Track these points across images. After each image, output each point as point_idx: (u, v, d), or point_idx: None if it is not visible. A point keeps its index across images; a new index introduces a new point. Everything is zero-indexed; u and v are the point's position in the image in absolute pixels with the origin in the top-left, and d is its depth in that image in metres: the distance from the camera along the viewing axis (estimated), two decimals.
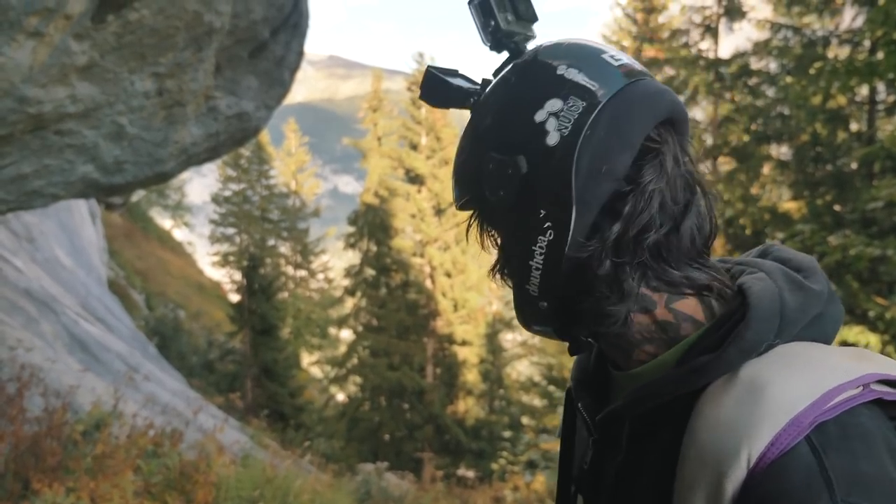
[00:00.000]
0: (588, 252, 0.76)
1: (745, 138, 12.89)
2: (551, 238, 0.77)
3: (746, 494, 0.65)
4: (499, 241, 0.85)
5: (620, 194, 0.74)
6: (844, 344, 6.42)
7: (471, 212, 0.86)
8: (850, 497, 0.63)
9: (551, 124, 0.75)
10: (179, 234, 40.49)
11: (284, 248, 35.23)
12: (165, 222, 39.13)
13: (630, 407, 0.80)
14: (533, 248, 0.78)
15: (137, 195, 31.09)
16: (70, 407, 4.58)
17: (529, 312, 0.85)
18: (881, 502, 0.63)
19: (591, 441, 0.89)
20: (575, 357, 0.96)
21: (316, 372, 30.62)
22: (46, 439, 3.48)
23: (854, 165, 11.40)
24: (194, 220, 44.81)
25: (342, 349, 27.72)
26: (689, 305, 0.79)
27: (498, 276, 0.87)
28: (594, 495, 0.88)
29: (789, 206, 12.53)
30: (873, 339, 8.50)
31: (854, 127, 11.59)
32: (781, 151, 13.50)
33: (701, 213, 0.79)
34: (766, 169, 13.12)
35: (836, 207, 11.20)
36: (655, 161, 0.75)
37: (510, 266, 0.84)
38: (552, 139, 0.75)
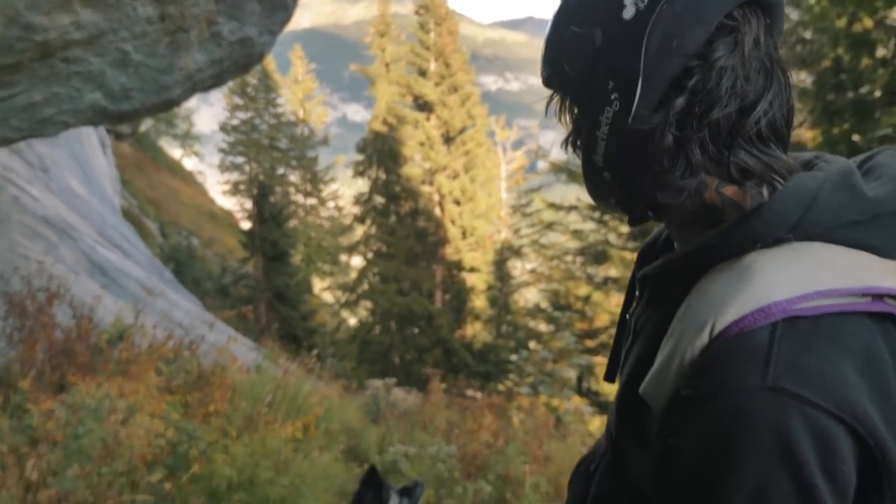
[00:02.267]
0: (651, 125, 0.76)
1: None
2: (617, 109, 0.78)
3: (698, 360, 0.70)
4: (575, 114, 0.87)
5: (689, 69, 0.75)
6: None
7: (553, 89, 0.89)
8: (781, 381, 0.65)
9: None
10: (189, 164, 40.62)
11: (294, 177, 35.36)
12: (175, 152, 39.20)
13: (653, 273, 0.88)
14: (600, 118, 0.80)
15: (146, 125, 31.10)
16: (93, 320, 4.92)
17: (595, 184, 0.89)
18: (808, 391, 0.64)
19: (636, 298, 0.99)
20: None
21: (328, 297, 31.27)
22: (77, 343, 3.82)
23: (877, 93, 11.23)
24: (203, 150, 44.76)
25: (353, 275, 28.23)
26: (738, 192, 0.79)
27: (570, 148, 0.88)
28: (626, 339, 1.00)
29: (806, 134, 12.45)
30: None
31: (880, 52, 11.34)
32: (801, 78, 13.29)
33: (776, 101, 0.77)
34: None
35: (855, 137, 11.12)
36: (729, 39, 0.75)
37: (581, 138, 0.86)
38: (628, 13, 0.76)
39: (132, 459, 2.70)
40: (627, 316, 1.02)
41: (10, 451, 2.43)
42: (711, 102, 0.74)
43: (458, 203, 24.64)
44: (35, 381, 3.45)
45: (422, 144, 24.61)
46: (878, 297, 0.70)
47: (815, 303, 0.68)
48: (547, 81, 0.88)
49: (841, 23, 10.21)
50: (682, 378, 0.72)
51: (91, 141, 18.12)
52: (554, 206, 21.25)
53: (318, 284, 32.88)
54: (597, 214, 19.64)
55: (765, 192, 0.79)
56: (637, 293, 0.98)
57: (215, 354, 5.96)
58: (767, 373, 0.65)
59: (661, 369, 0.76)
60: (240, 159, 32.34)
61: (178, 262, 19.81)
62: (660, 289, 0.89)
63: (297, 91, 38.15)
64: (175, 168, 34.85)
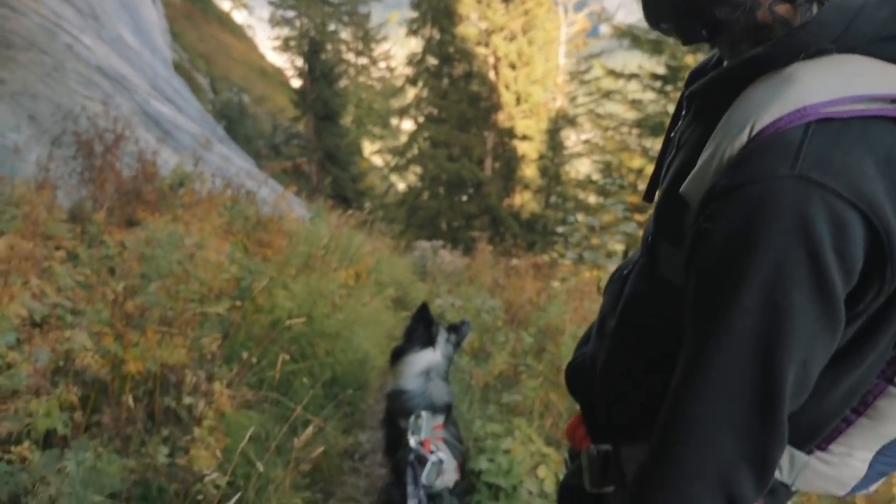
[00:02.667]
0: None
1: None
2: None
3: (736, 156, 0.78)
4: None
5: None
6: None
7: None
8: (807, 172, 0.73)
9: None
10: (238, 17, 39.87)
11: (345, 34, 34.47)
12: (224, 3, 38.41)
13: (700, 88, 0.95)
14: None
15: None
16: (156, 165, 5.11)
17: (652, 4, 0.94)
18: (831, 181, 0.73)
19: (682, 117, 1.07)
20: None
21: (377, 161, 31.41)
22: (143, 185, 4.01)
23: None
24: (253, 2, 43.76)
25: (403, 139, 28.14)
26: (790, 10, 0.84)
27: None
28: (669, 155, 1.09)
29: None
30: None
31: None
32: None
33: None
34: None
35: None
36: None
37: None
38: None
39: (200, 289, 2.91)
40: (672, 134, 1.09)
41: (93, 273, 2.65)
42: None
43: (513, 67, 23.88)
44: (107, 216, 3.67)
45: (479, 2, 23.56)
46: None
47: (847, 107, 0.75)
48: None
49: None
50: (719, 172, 0.80)
51: None
52: (614, 74, 20.44)
53: (368, 147, 32.93)
54: (658, 84, 18.89)
55: (815, 8, 0.82)
56: (683, 112, 1.06)
57: (270, 206, 6.16)
58: (796, 164, 0.73)
59: (702, 168, 0.84)
60: (290, 13, 31.50)
61: (229, 119, 19.98)
62: (705, 102, 0.96)
63: None
64: (225, 21, 34.29)
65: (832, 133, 0.74)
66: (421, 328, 2.98)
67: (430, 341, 2.94)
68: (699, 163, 0.86)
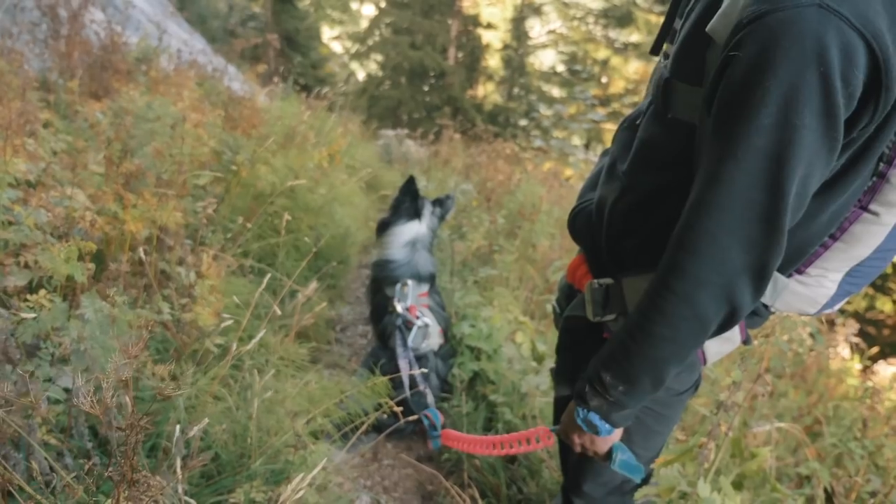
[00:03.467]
0: None
1: None
2: None
3: None
4: None
5: None
6: None
7: None
8: (826, 0, 0.83)
9: None
10: None
11: None
12: None
13: None
14: None
15: None
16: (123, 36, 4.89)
17: None
18: (846, 9, 0.82)
19: None
20: None
21: (337, 47, 30.29)
22: (113, 54, 3.87)
23: None
24: None
25: (364, 24, 27.10)
26: None
27: None
28: (684, 10, 1.15)
29: None
30: None
31: None
32: None
33: None
34: None
35: None
36: None
37: None
38: None
39: (184, 160, 2.90)
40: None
41: (77, 139, 2.62)
42: None
43: None
44: (79, 86, 3.56)
45: None
46: None
47: None
48: None
49: None
50: (744, 6, 0.89)
51: None
52: None
53: (328, 33, 31.63)
54: None
55: None
56: None
57: (238, 86, 6.00)
58: None
59: (729, 5, 0.93)
60: None
61: None
62: None
63: None
64: None
65: None
66: (407, 201, 3.05)
67: (416, 213, 3.02)
68: (726, 2, 0.94)
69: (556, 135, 20.31)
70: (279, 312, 2.04)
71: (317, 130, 5.11)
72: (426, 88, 23.79)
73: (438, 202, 3.14)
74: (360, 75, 26.76)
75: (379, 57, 24.31)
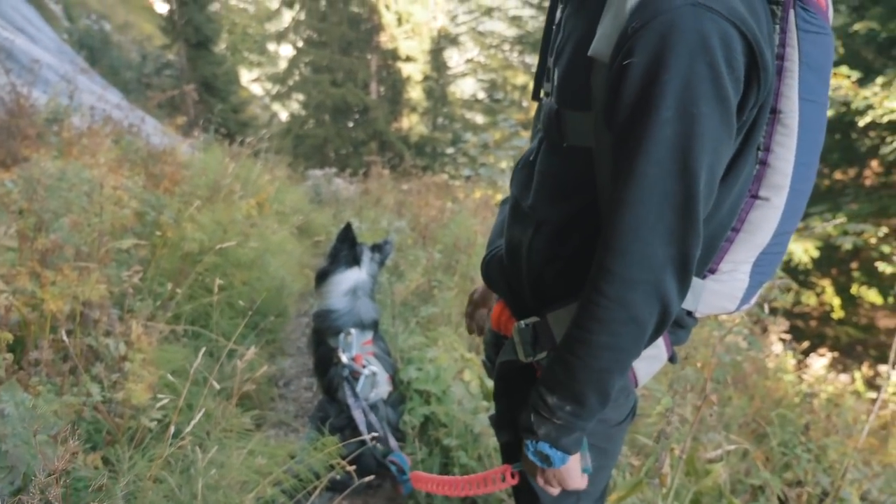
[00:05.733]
0: None
1: None
2: None
3: (637, 3, 0.96)
4: None
5: None
6: None
7: None
8: None
9: None
10: None
11: None
12: None
13: None
14: None
15: None
16: (30, 99, 4.70)
17: None
18: (715, 4, 0.93)
19: (559, 9, 1.24)
20: None
21: (257, 89, 30.05)
22: (21, 118, 3.70)
23: None
24: None
25: (283, 65, 26.96)
26: None
27: None
28: (553, 48, 1.23)
29: None
30: None
31: None
32: None
33: None
34: None
35: None
36: None
37: None
38: None
39: (104, 224, 2.78)
40: (554, 27, 1.25)
41: None
42: None
43: None
44: None
45: None
46: None
47: None
48: None
49: None
50: (624, 22, 0.97)
51: None
52: None
53: (246, 76, 31.38)
54: (535, 0, 18.97)
55: None
56: (562, 4, 1.22)
57: (157, 140, 5.85)
58: None
59: (608, 27, 1.01)
60: None
61: (90, 48, 18.41)
62: None
63: None
64: None
65: None
66: (346, 248, 3.00)
67: (355, 260, 2.97)
68: (602, 25, 1.03)
69: (484, 161, 20.58)
70: (217, 387, 1.95)
71: (243, 180, 5.01)
72: (351, 124, 23.81)
73: (377, 247, 3.10)
74: (283, 116, 26.58)
75: (301, 96, 24.22)
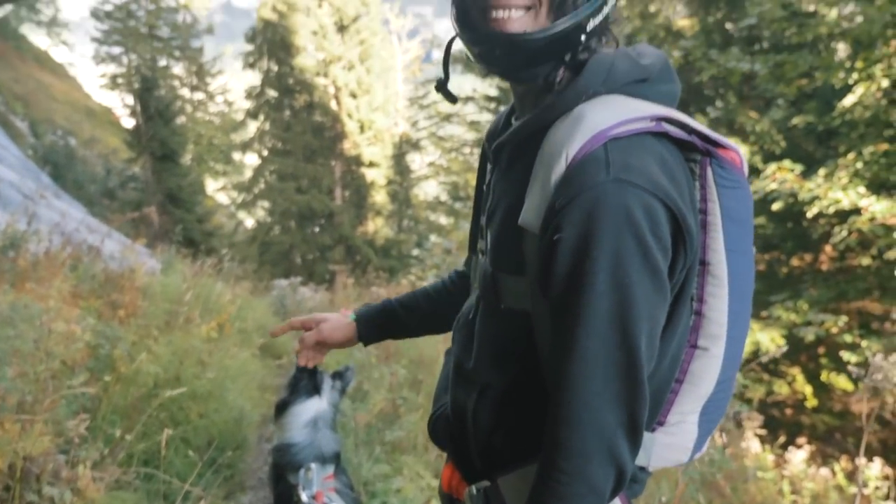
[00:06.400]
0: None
1: None
2: None
3: (562, 179, 0.99)
4: None
5: None
6: None
7: None
8: (619, 174, 0.96)
9: None
10: (58, 55, 37.18)
11: (178, 69, 33.03)
12: (41, 41, 35.66)
13: (508, 139, 1.16)
14: None
15: (4, 10, 28.01)
16: None
17: (525, 59, 1.11)
18: (636, 178, 0.96)
19: (489, 170, 1.27)
20: (491, 122, 1.33)
21: (222, 198, 30.28)
22: None
23: None
24: (73, 38, 40.93)
25: (248, 174, 27.37)
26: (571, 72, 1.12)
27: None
28: (485, 205, 1.26)
29: (684, 23, 12.83)
30: (744, 149, 9.32)
31: None
32: None
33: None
34: None
35: (728, 25, 11.61)
36: None
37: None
38: None
39: (53, 363, 2.70)
40: (485, 187, 1.29)
41: None
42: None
43: (354, 96, 24.02)
44: None
45: (315, 34, 23.54)
46: (657, 121, 1.03)
47: (625, 127, 1.00)
48: None
49: None
50: (551, 197, 1.00)
51: None
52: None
53: (212, 185, 31.69)
54: (492, 105, 19.77)
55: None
56: (491, 165, 1.26)
57: (118, 261, 5.79)
58: (609, 171, 0.96)
59: (535, 199, 1.04)
60: (116, 50, 29.78)
61: (55, 164, 18.49)
62: (516, 150, 1.16)
63: None
64: (43, 59, 31.83)
65: (623, 147, 0.98)
66: (305, 377, 2.93)
67: (315, 389, 2.90)
68: (530, 196, 1.05)
69: (450, 260, 20.77)
70: None
71: (204, 299, 4.95)
72: (317, 229, 24.00)
73: (338, 374, 3.03)
74: (249, 223, 26.74)
75: (266, 204, 24.47)
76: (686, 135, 1.06)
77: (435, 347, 4.76)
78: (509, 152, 1.18)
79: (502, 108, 1.37)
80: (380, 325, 1.61)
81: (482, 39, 1.10)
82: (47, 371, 2.40)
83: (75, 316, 3.32)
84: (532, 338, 1.12)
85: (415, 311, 1.60)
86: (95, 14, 29.50)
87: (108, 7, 29.38)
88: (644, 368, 1.00)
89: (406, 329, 1.62)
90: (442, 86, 1.29)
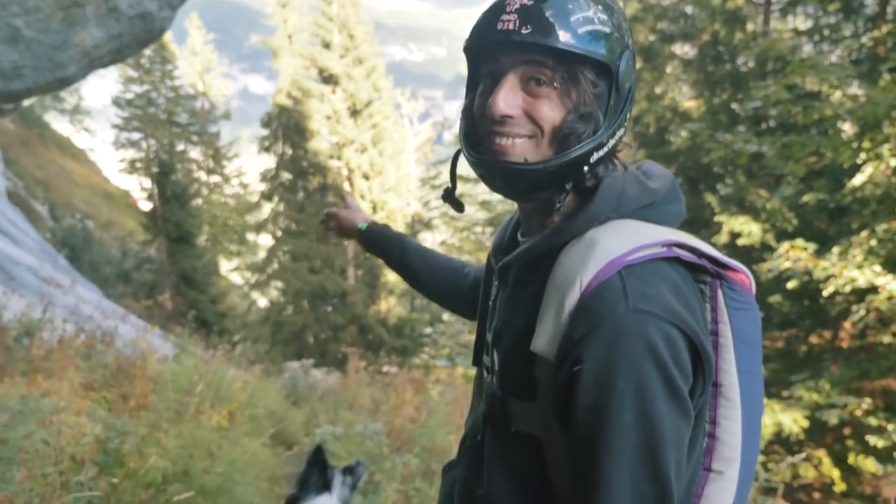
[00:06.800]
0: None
1: (651, 38, 13.23)
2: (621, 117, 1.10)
3: (577, 307, 0.98)
4: (587, 99, 1.08)
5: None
6: (732, 233, 7.06)
7: None
8: (637, 305, 0.95)
9: None
10: (80, 141, 38.37)
11: (195, 153, 33.96)
12: (63, 128, 36.91)
13: (516, 259, 1.15)
14: (618, 119, 1.11)
15: (30, 99, 29.11)
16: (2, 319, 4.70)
17: (530, 183, 1.10)
18: (655, 308, 0.95)
19: (494, 286, 1.25)
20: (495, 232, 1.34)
21: (236, 278, 30.50)
22: None
23: (750, 65, 11.97)
24: (94, 125, 42.38)
25: (262, 255, 27.63)
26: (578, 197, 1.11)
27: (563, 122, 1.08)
28: (491, 325, 1.23)
29: (690, 104, 13.10)
30: (755, 227, 9.32)
31: (750, 27, 12.09)
32: (685, 51, 13.92)
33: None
34: (668, 68, 13.55)
35: (734, 106, 11.83)
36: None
37: (584, 123, 1.10)
38: (630, 51, 1.10)
39: (62, 460, 2.66)
40: (490, 303, 1.27)
41: None
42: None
43: (366, 177, 24.48)
44: None
45: (328, 118, 24.21)
46: (669, 246, 1.03)
47: (639, 254, 1.00)
48: (548, 51, 1.02)
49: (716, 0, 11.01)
50: (567, 325, 0.98)
51: None
52: (462, 178, 21.44)
53: (226, 265, 32.01)
54: None
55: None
56: (497, 283, 1.24)
57: (130, 347, 5.79)
58: (628, 302, 0.95)
59: (549, 325, 1.02)
60: (136, 135, 30.75)
61: (72, 247, 18.79)
62: (524, 270, 1.15)
63: (196, 63, 36.60)
64: (65, 145, 32.84)
65: (638, 274, 0.98)
66: (316, 473, 2.87)
67: (325, 486, 2.84)
68: (544, 322, 1.03)
69: (463, 338, 20.64)
70: None
71: (215, 387, 4.90)
72: (329, 309, 23.98)
73: (349, 470, 2.97)
74: (262, 303, 26.81)
75: (279, 284, 24.58)
76: (697, 258, 1.07)
77: (447, 438, 4.67)
78: (516, 273, 1.17)
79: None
80: (381, 245, 1.81)
81: (484, 164, 1.11)
82: (56, 471, 2.36)
83: (86, 408, 3.29)
84: (545, 462, 1.09)
85: (414, 261, 1.75)
86: (117, 102, 30.61)
87: (130, 95, 30.50)
88: (675, 498, 0.97)
89: (394, 263, 1.79)
90: (449, 195, 1.28)
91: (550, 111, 1.05)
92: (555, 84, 1.04)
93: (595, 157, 1.07)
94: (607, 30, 1.05)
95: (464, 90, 1.18)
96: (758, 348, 1.12)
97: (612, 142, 1.09)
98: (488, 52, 1.08)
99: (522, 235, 1.22)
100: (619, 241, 1.01)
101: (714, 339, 1.07)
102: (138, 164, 30.25)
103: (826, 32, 10.51)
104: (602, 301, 0.96)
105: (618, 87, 1.07)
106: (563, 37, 1.01)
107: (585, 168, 1.06)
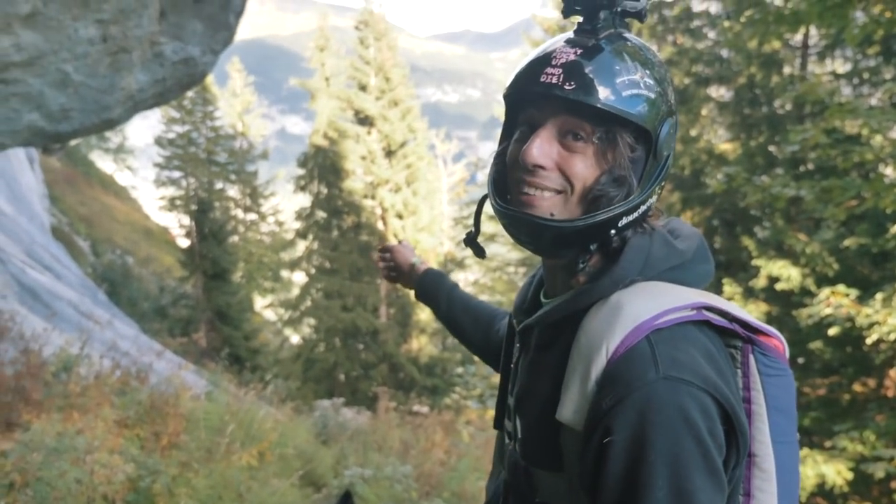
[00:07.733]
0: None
1: (686, 80, 13.23)
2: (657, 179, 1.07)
3: (605, 375, 0.93)
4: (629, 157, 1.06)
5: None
6: (770, 277, 6.87)
7: None
8: (669, 371, 0.90)
9: None
10: (122, 179, 39.49)
11: (233, 192, 34.68)
12: (107, 166, 38.04)
13: (539, 319, 1.10)
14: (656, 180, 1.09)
15: (76, 139, 30.12)
16: (41, 354, 4.79)
17: (557, 240, 1.06)
18: (687, 375, 0.91)
19: (516, 348, 1.20)
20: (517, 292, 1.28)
21: (270, 315, 30.78)
22: (27, 379, 3.73)
23: (787, 107, 11.87)
24: (137, 164, 43.60)
25: (295, 292, 27.87)
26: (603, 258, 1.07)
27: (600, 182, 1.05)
28: (513, 389, 1.18)
29: (726, 147, 13.00)
30: (794, 272, 9.13)
31: (787, 70, 12.03)
32: (720, 93, 13.87)
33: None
34: (704, 111, 13.50)
35: (771, 148, 11.71)
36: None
37: (621, 183, 1.07)
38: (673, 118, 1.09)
39: (94, 499, 2.68)
40: (512, 365, 1.22)
41: None
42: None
43: (400, 217, 24.68)
44: None
45: (363, 158, 24.57)
46: (698, 309, 0.99)
47: (667, 318, 0.95)
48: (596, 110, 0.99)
49: (752, 43, 10.95)
50: (594, 394, 0.94)
51: (18, 156, 17.45)
52: (495, 218, 21.56)
53: (260, 302, 32.35)
54: None
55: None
56: (518, 345, 1.19)
57: (164, 384, 5.85)
58: (658, 368, 0.91)
59: (576, 394, 0.97)
60: (176, 174, 31.50)
61: (112, 282, 19.22)
62: (547, 333, 1.10)
63: (236, 104, 37.62)
64: (108, 183, 33.82)
65: (667, 339, 0.94)
66: None
67: None
68: (569, 390, 0.98)
69: (493, 382, 20.42)
70: None
71: (246, 426, 4.91)
72: (361, 347, 24.01)
73: None
74: (295, 340, 26.96)
75: (312, 321, 24.72)
76: (727, 322, 1.02)
77: (476, 484, 4.59)
78: (538, 336, 1.12)
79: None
80: (432, 295, 1.73)
81: (508, 214, 1.07)
82: None
83: (119, 446, 3.32)
84: None
85: (459, 312, 1.68)
86: (159, 142, 31.48)
87: (171, 135, 31.35)
88: None
89: (441, 313, 1.72)
90: (472, 240, 1.25)
91: (584, 168, 1.02)
92: (593, 139, 1.01)
93: (624, 221, 1.03)
94: (652, 95, 1.02)
95: (498, 132, 1.16)
96: (792, 416, 1.07)
97: (643, 208, 1.05)
98: (528, 102, 1.05)
99: (545, 296, 1.18)
100: (647, 304, 0.97)
101: (747, 406, 1.02)
102: (178, 202, 30.93)
103: (866, 76, 10.38)
104: (631, 368, 0.92)
105: (656, 154, 1.04)
106: (606, 97, 0.98)
107: (612, 231, 1.03)
